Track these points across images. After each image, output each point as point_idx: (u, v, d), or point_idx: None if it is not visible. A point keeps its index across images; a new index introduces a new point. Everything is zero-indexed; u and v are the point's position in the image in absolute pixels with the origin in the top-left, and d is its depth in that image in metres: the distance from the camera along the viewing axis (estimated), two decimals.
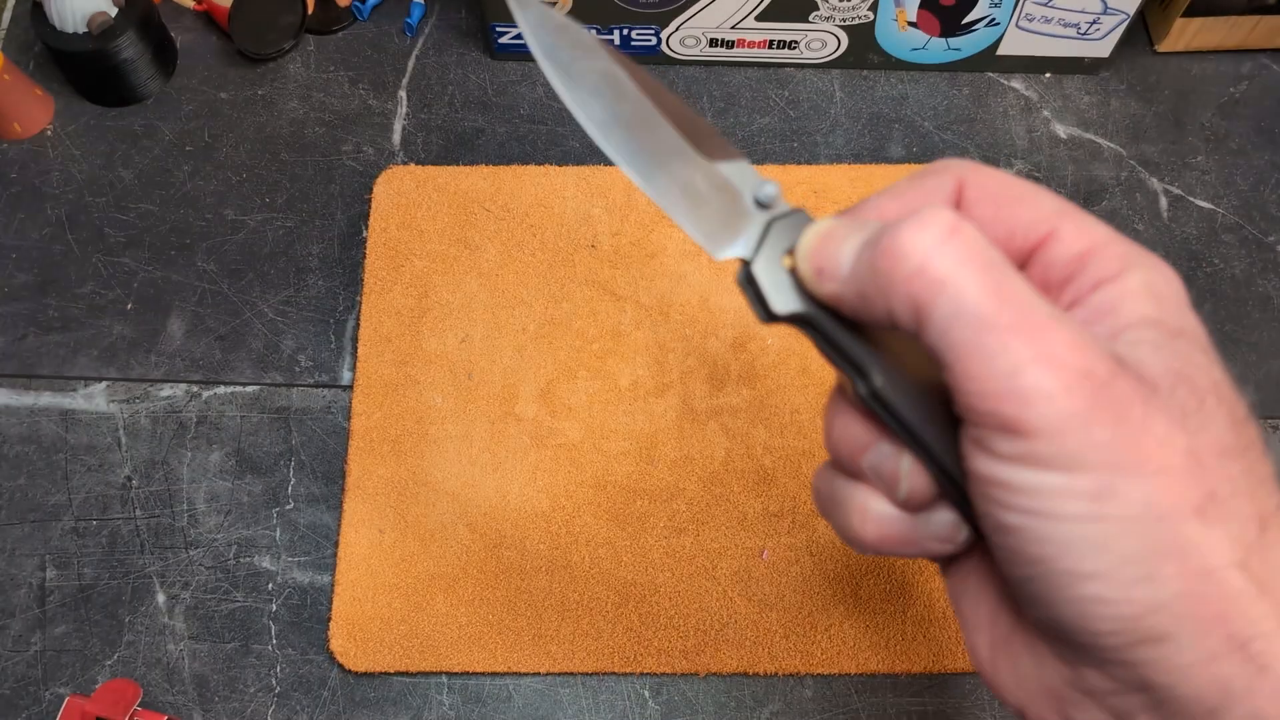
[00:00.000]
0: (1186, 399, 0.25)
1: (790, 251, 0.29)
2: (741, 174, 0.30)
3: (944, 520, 0.29)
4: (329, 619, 0.50)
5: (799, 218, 0.29)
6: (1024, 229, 0.28)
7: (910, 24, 0.59)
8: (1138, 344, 0.26)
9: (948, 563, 0.31)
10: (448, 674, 0.50)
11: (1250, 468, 0.25)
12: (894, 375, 0.28)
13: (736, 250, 0.30)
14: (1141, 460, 0.24)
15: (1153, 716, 0.25)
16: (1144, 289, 0.27)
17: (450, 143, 0.61)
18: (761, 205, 0.29)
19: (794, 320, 0.29)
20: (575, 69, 0.29)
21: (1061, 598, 0.25)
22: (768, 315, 0.29)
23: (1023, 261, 0.29)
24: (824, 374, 0.54)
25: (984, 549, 0.29)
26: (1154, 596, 0.24)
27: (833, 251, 0.27)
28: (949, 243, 0.25)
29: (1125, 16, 0.58)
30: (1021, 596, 0.26)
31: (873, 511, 0.29)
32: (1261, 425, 0.53)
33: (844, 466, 0.30)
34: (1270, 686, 0.24)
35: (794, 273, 0.29)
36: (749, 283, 0.29)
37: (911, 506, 0.29)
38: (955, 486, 0.28)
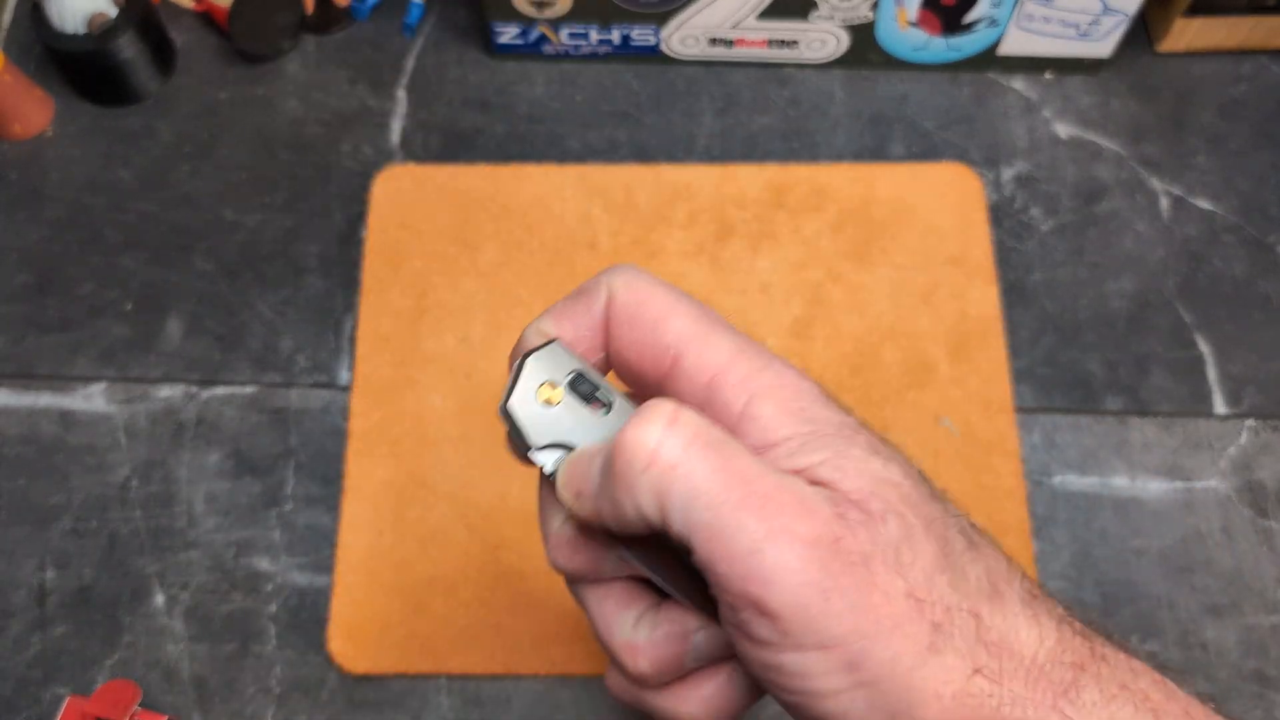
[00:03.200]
0: (886, 532, 0.26)
1: (549, 384, 0.29)
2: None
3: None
4: (328, 620, 0.50)
5: (552, 349, 0.30)
6: (655, 355, 0.29)
7: (911, 23, 0.59)
8: (822, 465, 0.26)
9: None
10: (447, 676, 0.50)
11: (954, 578, 0.26)
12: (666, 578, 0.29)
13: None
14: (878, 620, 0.25)
15: None
16: (780, 411, 0.27)
17: (449, 142, 0.61)
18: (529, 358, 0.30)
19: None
20: None
21: None
22: (526, 449, 0.29)
23: (663, 384, 0.29)
24: (824, 374, 0.54)
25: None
26: None
27: (583, 472, 0.28)
28: (671, 431, 0.25)
29: (1125, 16, 0.58)
30: None
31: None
32: (1262, 426, 0.53)
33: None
34: None
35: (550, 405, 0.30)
36: (507, 418, 0.29)
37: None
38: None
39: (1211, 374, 0.55)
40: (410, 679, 0.50)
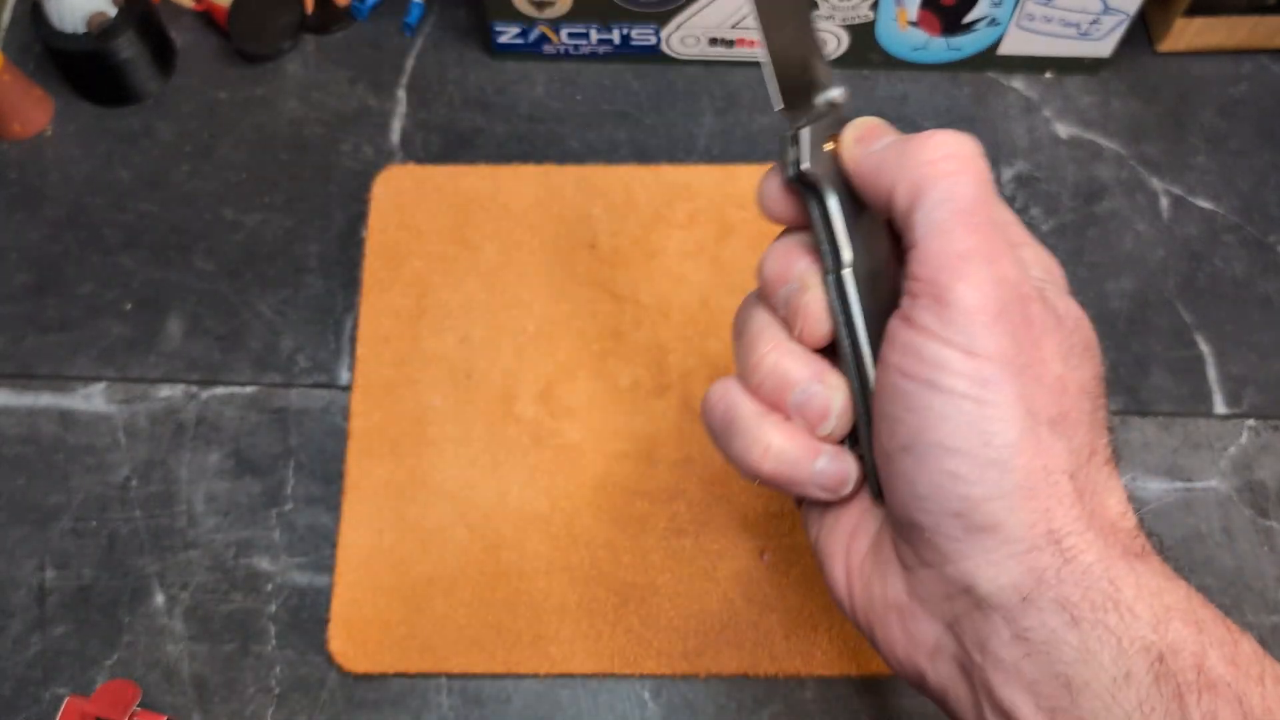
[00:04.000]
0: (1075, 341, 0.31)
1: (834, 137, 0.33)
2: (825, 71, 0.35)
3: (834, 471, 0.34)
4: (328, 620, 0.50)
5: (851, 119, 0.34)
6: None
7: (911, 23, 0.59)
8: (1048, 293, 0.31)
9: (811, 505, 0.36)
10: (447, 675, 0.50)
11: (1095, 409, 0.31)
12: (861, 264, 0.33)
13: (795, 116, 0.34)
14: (1025, 365, 0.29)
15: (975, 614, 0.29)
16: (1037, 262, 0.32)
17: (449, 142, 0.61)
18: (830, 103, 0.34)
19: (810, 185, 0.33)
20: None
21: (925, 469, 0.29)
22: (795, 171, 0.33)
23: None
24: None
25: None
26: (1000, 483, 0.28)
27: (878, 133, 0.32)
28: (972, 155, 0.30)
29: (1125, 16, 0.58)
30: (891, 474, 0.31)
31: (774, 449, 0.34)
32: (1262, 426, 0.53)
33: (767, 298, 0.35)
34: (1074, 574, 0.28)
35: (832, 155, 0.33)
36: (794, 142, 0.33)
37: (819, 443, 0.34)
38: (862, 413, 0.33)
39: (1211, 374, 0.55)
40: (410, 679, 0.50)
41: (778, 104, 0.34)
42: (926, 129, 0.32)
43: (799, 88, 0.34)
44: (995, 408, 0.28)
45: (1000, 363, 0.28)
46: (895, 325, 0.30)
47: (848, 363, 0.33)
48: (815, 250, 0.34)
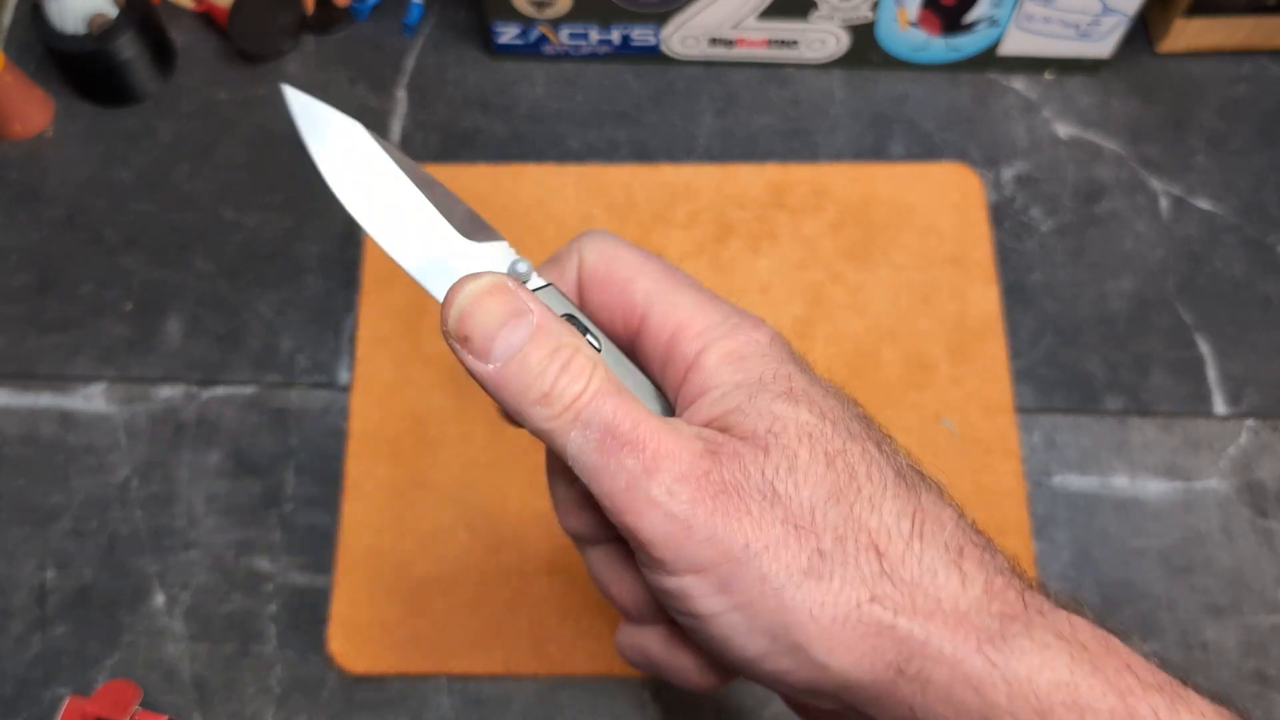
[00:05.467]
0: (779, 458, 0.27)
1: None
2: (497, 253, 0.32)
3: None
4: (328, 620, 0.50)
5: (548, 292, 0.31)
6: (625, 314, 0.31)
7: (911, 23, 0.59)
8: (732, 412, 0.28)
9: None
10: (447, 676, 0.50)
11: (851, 505, 0.27)
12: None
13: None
14: (745, 544, 0.26)
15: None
16: (722, 361, 0.29)
17: (449, 142, 0.61)
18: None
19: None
20: (332, 144, 0.31)
21: (749, 671, 0.28)
22: None
23: (634, 342, 0.31)
24: (824, 374, 0.54)
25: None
26: (810, 662, 0.26)
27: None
28: (571, 376, 0.27)
29: (1125, 17, 0.58)
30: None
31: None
32: (1262, 426, 0.53)
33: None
34: (938, 696, 0.26)
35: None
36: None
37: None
38: None
39: (1211, 374, 0.55)
40: (410, 679, 0.50)
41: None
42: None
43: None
44: (751, 604, 0.26)
45: (724, 560, 0.26)
46: (639, 562, 0.28)
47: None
48: None
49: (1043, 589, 0.28)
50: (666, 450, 0.27)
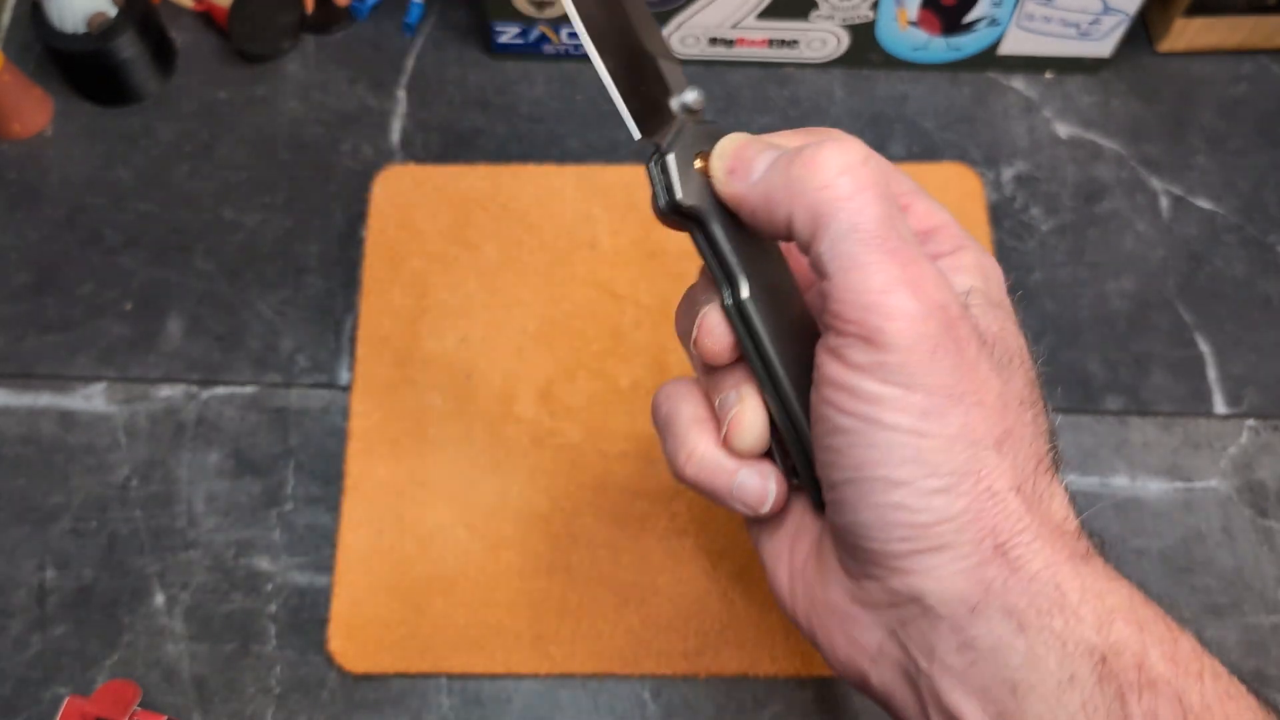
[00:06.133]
0: (1003, 354, 0.30)
1: (702, 154, 0.31)
2: (674, 74, 0.33)
3: (753, 488, 0.33)
4: (328, 620, 0.50)
5: (715, 128, 0.32)
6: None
7: (911, 23, 0.59)
8: (971, 305, 0.31)
9: None
10: (447, 676, 0.50)
11: (1035, 417, 0.30)
12: (760, 290, 0.31)
13: (656, 136, 0.32)
14: (967, 391, 0.28)
15: (921, 622, 0.29)
16: (974, 266, 0.32)
17: (449, 142, 0.61)
18: (686, 108, 0.32)
19: (689, 215, 0.31)
20: None
21: (869, 502, 0.29)
22: (669, 203, 0.31)
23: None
24: None
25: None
26: (947, 509, 0.28)
27: (748, 157, 0.31)
28: (864, 166, 0.29)
29: (1125, 16, 0.58)
30: (834, 500, 0.31)
31: (697, 455, 0.34)
32: (1262, 426, 0.53)
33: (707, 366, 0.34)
34: (1021, 583, 0.28)
35: (703, 173, 0.31)
36: (661, 171, 0.31)
37: (739, 457, 0.33)
38: (787, 430, 0.32)
39: (1211, 374, 0.55)
40: (410, 679, 0.50)
41: (636, 133, 0.32)
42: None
43: (652, 102, 0.32)
44: (938, 439, 0.28)
45: (941, 395, 0.28)
46: (824, 359, 0.30)
47: (764, 384, 0.32)
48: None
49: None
50: (931, 278, 0.29)
